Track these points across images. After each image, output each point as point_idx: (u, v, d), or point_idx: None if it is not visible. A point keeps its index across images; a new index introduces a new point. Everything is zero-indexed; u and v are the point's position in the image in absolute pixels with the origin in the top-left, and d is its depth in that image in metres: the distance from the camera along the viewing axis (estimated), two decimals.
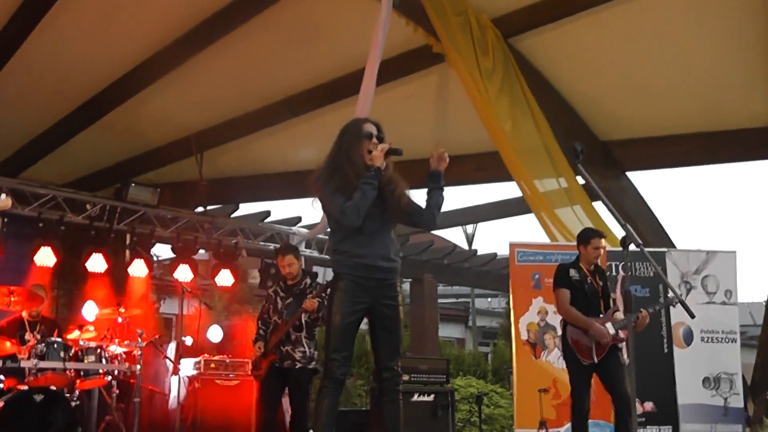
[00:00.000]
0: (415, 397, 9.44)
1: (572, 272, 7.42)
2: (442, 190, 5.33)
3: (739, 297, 10.18)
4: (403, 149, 5.15)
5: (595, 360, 7.15)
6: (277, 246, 10.02)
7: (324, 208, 5.22)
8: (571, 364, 7.35)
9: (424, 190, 5.33)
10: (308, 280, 7.97)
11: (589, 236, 7.51)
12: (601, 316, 7.26)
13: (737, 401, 9.84)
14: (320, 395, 4.99)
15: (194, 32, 8.90)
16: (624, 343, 7.34)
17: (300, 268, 8.04)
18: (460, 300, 29.54)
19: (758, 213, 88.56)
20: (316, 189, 5.15)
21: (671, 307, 8.44)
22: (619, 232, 6.49)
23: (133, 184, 11.49)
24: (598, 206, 9.97)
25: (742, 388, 9.97)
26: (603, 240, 7.47)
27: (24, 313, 8.67)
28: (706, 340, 9.87)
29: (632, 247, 4.47)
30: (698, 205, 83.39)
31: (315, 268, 13.32)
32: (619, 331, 7.21)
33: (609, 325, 7.18)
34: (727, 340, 9.91)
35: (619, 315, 7.32)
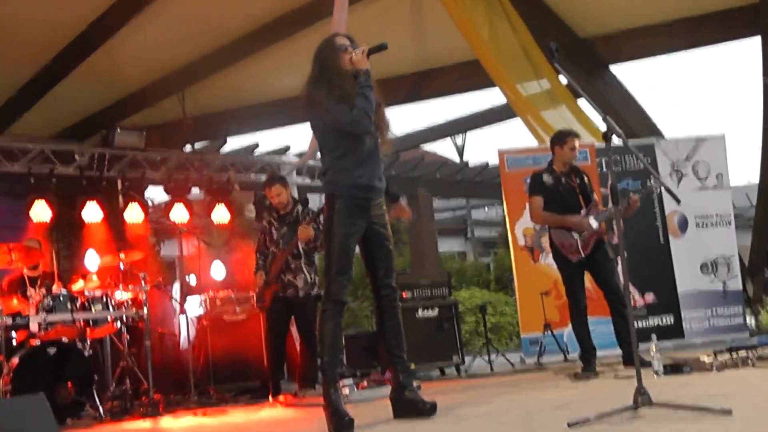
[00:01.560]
0: (420, 313, 9.54)
1: (545, 177, 7.47)
2: None
3: (736, 180, 10.26)
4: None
5: (582, 255, 7.22)
6: None
7: (327, 122, 5.11)
8: (561, 265, 7.44)
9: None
10: (299, 207, 8.00)
11: (564, 136, 7.53)
12: (582, 212, 7.31)
13: (736, 284, 9.99)
14: (323, 319, 5.03)
15: None
16: (613, 237, 7.40)
17: (289, 197, 8.04)
18: (457, 213, 29.59)
19: (746, 94, 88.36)
20: (315, 106, 5.09)
21: (662, 196, 8.50)
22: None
23: (118, 129, 11.42)
24: (584, 104, 9.96)
25: (740, 270, 10.11)
26: (577, 140, 7.49)
27: (25, 270, 8.72)
28: (701, 225, 9.97)
29: (617, 141, 4.48)
30: (686, 92, 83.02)
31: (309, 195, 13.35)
32: (602, 224, 7.27)
33: (591, 219, 7.23)
34: (721, 224, 10.01)
35: (602, 208, 7.38)
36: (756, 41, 10.36)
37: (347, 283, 5.08)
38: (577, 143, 7.46)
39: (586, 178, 7.53)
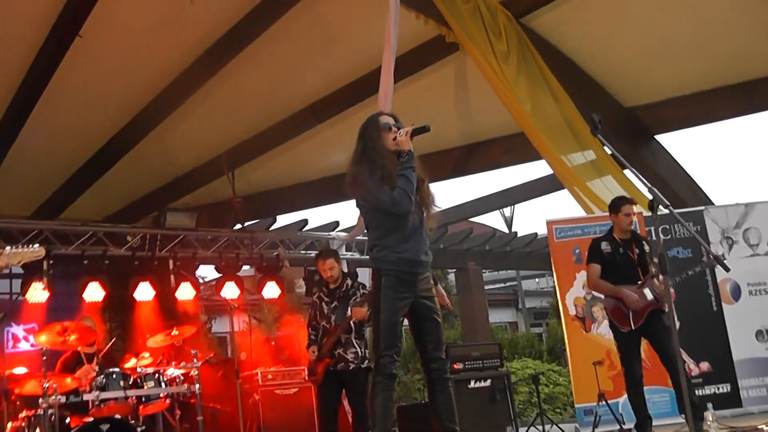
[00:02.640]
0: (472, 384, 9.46)
1: (603, 245, 7.44)
2: None
3: None
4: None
5: (633, 326, 7.13)
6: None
7: (369, 202, 5.21)
8: (615, 334, 7.38)
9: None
10: (349, 281, 8.03)
11: (618, 204, 7.51)
12: (638, 283, 7.25)
13: None
14: (373, 392, 5.06)
15: (209, 53, 8.99)
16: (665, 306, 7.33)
17: (340, 271, 8.10)
18: (507, 284, 29.48)
19: None
20: (359, 186, 5.16)
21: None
22: None
23: (169, 211, 11.63)
24: (631, 173, 9.94)
25: None
26: (633, 206, 7.48)
27: (80, 348, 8.83)
28: (754, 293, 9.82)
29: (663, 210, 4.49)
30: (734, 158, 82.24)
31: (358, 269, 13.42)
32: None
33: (647, 290, 7.16)
34: None
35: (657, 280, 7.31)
36: None
37: (396, 357, 5.11)
38: (632, 209, 7.45)
39: (646, 247, 7.48)
